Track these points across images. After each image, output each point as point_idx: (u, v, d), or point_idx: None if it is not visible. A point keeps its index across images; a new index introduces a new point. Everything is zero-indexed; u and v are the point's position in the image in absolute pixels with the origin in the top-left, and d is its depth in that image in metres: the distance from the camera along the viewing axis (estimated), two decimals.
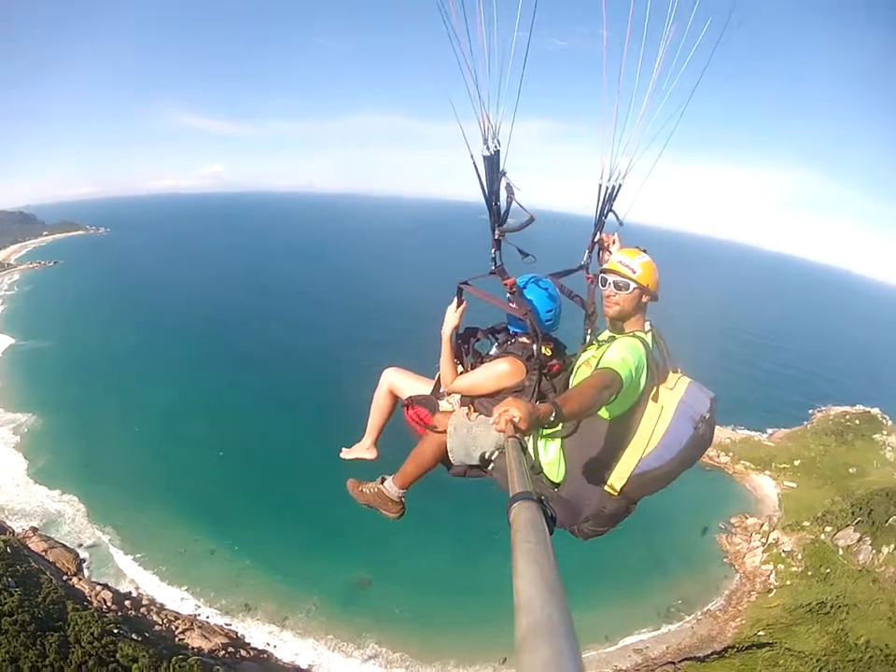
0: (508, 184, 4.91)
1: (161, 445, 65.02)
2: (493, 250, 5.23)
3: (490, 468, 5.35)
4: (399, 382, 6.26)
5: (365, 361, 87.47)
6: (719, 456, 67.13)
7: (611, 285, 4.71)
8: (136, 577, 48.49)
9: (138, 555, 50.32)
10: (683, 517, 54.69)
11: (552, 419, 3.48)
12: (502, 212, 5.08)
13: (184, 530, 52.74)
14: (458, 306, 5.48)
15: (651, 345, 4.64)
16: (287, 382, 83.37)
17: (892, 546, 48.69)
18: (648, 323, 4.82)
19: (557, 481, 4.87)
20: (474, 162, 4.83)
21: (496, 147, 4.68)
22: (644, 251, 4.85)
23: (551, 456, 4.91)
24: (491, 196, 4.98)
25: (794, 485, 64.35)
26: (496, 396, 5.35)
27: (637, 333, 4.70)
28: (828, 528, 54.76)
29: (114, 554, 50.58)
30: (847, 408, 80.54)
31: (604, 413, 4.51)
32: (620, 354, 4.39)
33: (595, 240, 5.56)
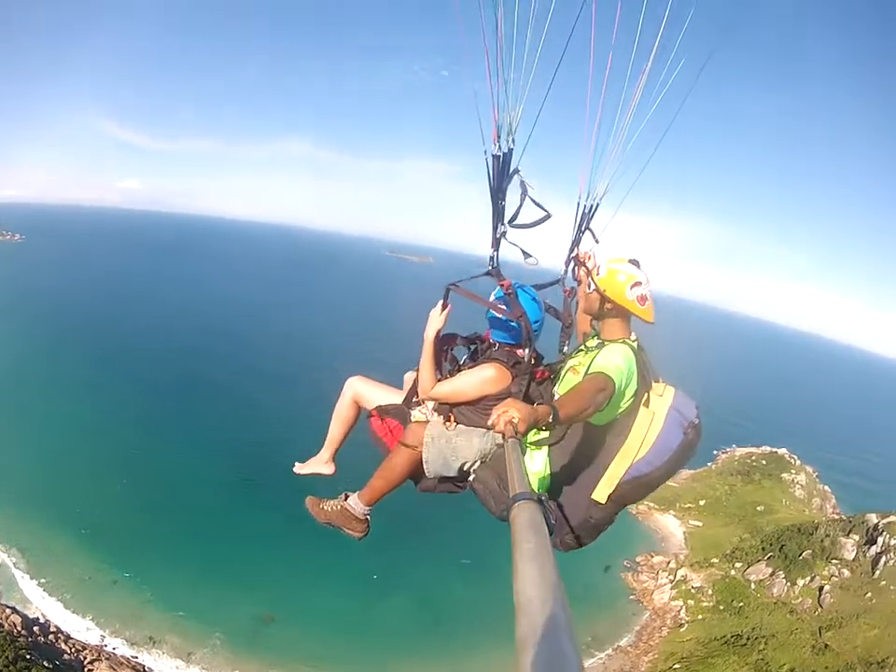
0: (522, 181, 4.90)
1: (64, 467, 61.89)
2: (492, 249, 5.15)
3: (471, 478, 5.15)
4: (364, 391, 5.96)
5: (263, 394, 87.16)
6: None
7: (587, 283, 4.83)
8: (41, 603, 46.23)
9: (43, 580, 48.07)
10: (587, 556, 54.00)
11: (550, 420, 3.48)
12: (516, 209, 5.00)
13: (87, 558, 50.51)
14: (444, 308, 5.26)
15: (638, 353, 4.63)
16: (186, 411, 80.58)
17: (808, 578, 49.73)
18: (633, 333, 4.80)
19: (543, 491, 4.76)
20: (487, 160, 4.80)
21: (509, 145, 4.70)
22: (632, 262, 4.78)
23: (537, 466, 4.80)
24: (498, 194, 4.93)
25: (700, 524, 65.09)
26: (476, 404, 5.19)
27: (626, 340, 4.69)
28: (738, 564, 55.63)
29: (19, 579, 48.27)
30: (752, 449, 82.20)
31: (596, 419, 4.45)
32: (611, 359, 4.39)
33: (572, 255, 5.58)
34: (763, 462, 76.81)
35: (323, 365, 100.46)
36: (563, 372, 5.00)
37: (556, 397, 4.80)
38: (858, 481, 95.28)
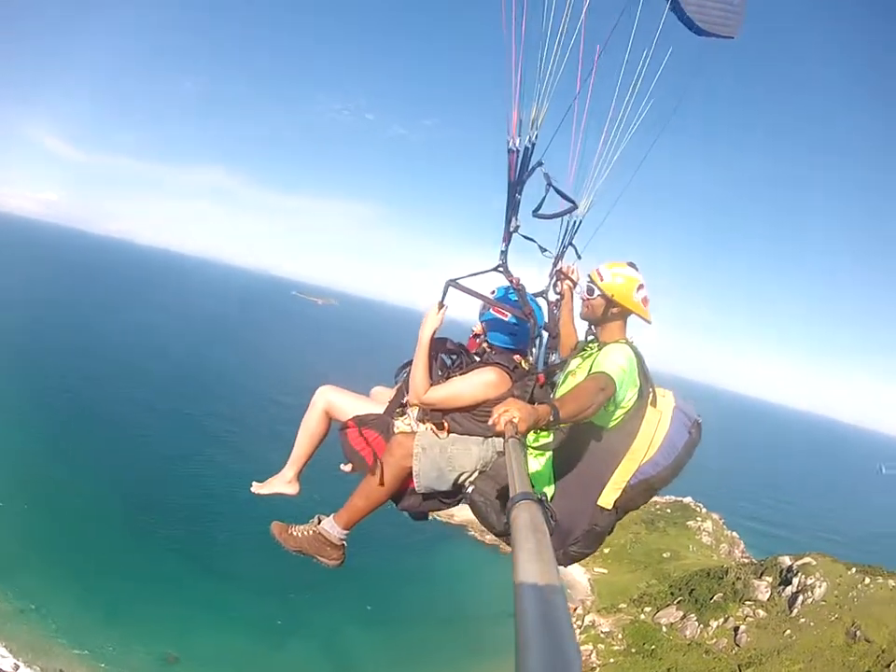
0: (545, 173, 4.91)
1: None
2: (503, 243, 5.13)
3: (470, 490, 4.97)
4: (338, 401, 5.56)
5: (163, 430, 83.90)
6: None
7: (584, 289, 4.78)
8: None
9: None
10: (491, 606, 54.86)
11: (551, 419, 3.48)
12: (540, 200, 5.02)
13: None
14: (441, 307, 5.13)
15: (638, 353, 4.64)
16: (89, 440, 75.78)
17: (721, 619, 49.84)
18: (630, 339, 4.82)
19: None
20: (508, 151, 4.89)
21: (532, 140, 4.73)
22: (631, 265, 4.83)
23: (540, 472, 4.72)
24: (515, 188, 4.95)
25: (605, 571, 65.05)
26: (472, 410, 5.04)
27: (626, 341, 4.72)
28: (647, 608, 55.69)
29: None
30: (656, 498, 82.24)
31: (601, 420, 4.47)
32: (612, 358, 4.40)
33: (556, 269, 5.61)
34: (668, 510, 77.17)
35: (220, 404, 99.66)
36: (562, 377, 4.97)
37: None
38: (765, 527, 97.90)
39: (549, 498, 4.57)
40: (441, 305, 5.12)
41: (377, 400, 5.62)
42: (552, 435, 4.59)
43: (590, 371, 4.46)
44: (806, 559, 52.44)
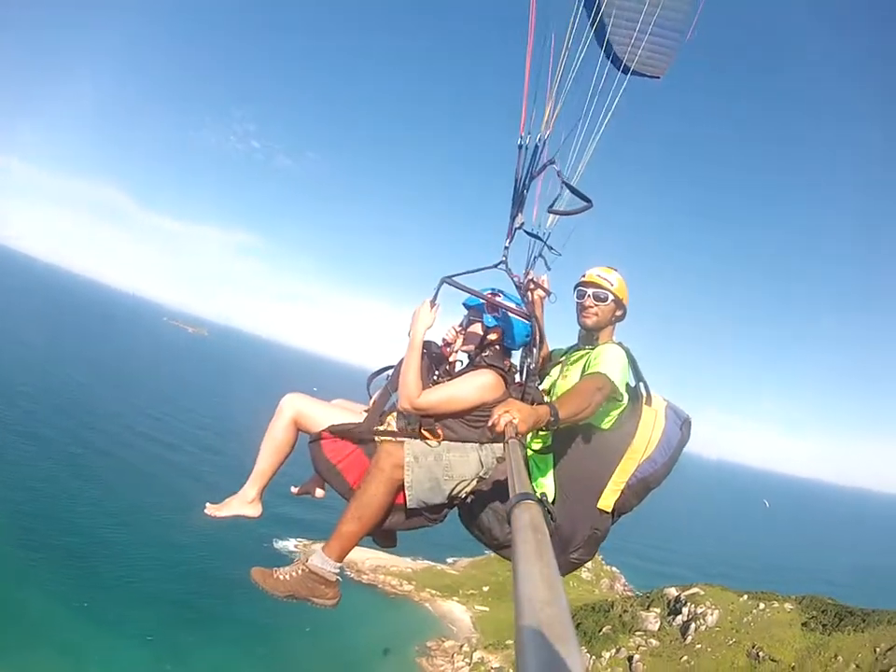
0: (558, 171, 4.89)
1: None
2: (507, 240, 5.08)
3: (469, 501, 4.76)
4: (309, 409, 4.98)
5: (24, 453, 78.08)
6: (402, 585, 66.63)
7: (590, 296, 4.75)
8: None
9: None
10: (379, 646, 54.99)
11: (550, 420, 3.50)
12: (556, 196, 5.00)
13: None
14: (433, 305, 4.87)
15: (629, 352, 4.67)
16: None
17: (613, 650, 49.84)
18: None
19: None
20: (519, 147, 4.94)
21: (543, 138, 4.77)
22: (615, 270, 4.91)
23: (541, 477, 4.63)
24: (522, 183, 4.98)
25: (487, 609, 65.27)
26: (465, 416, 4.80)
27: (619, 342, 4.75)
28: None
29: None
30: None
31: (598, 421, 4.48)
32: (606, 358, 4.41)
33: (528, 279, 5.59)
34: None
35: (88, 433, 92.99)
36: (552, 381, 4.95)
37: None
38: (645, 563, 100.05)
39: (551, 502, 4.44)
40: (434, 303, 4.88)
41: (344, 409, 5.14)
42: (550, 438, 4.54)
43: (583, 372, 4.46)
44: (694, 589, 53.44)
